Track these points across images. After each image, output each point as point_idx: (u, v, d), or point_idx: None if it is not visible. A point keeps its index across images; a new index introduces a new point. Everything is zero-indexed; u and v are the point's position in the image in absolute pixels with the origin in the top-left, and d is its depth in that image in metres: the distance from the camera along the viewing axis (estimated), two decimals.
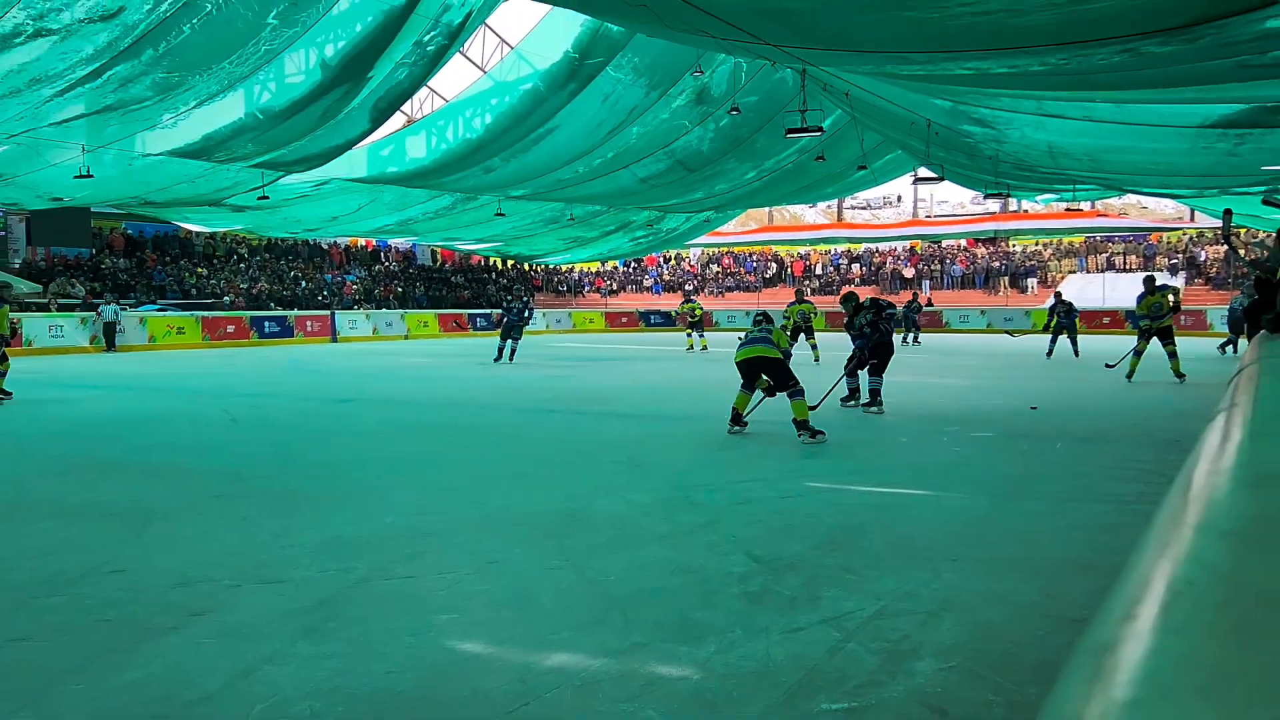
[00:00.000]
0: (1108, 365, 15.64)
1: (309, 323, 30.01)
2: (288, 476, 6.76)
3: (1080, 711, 0.46)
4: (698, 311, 24.58)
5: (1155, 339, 14.24)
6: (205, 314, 27.24)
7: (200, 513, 5.54)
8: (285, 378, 16.29)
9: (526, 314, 19.34)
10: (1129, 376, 13.96)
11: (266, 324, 28.58)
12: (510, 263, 47.40)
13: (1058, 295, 20.94)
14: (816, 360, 17.94)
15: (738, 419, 8.80)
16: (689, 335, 24.69)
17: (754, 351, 8.76)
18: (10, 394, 12.09)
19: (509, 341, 19.31)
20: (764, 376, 8.74)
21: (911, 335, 26.61)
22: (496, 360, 18.80)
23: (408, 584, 4.12)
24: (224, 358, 21.82)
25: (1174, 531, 0.76)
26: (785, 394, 8.59)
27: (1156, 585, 0.61)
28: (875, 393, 10.54)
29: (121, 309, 25.14)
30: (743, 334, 9.26)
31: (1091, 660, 0.51)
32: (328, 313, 31.42)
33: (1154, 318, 14.12)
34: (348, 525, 5.17)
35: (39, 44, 14.06)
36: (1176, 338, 14.43)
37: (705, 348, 23.40)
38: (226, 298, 31.96)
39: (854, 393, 11.04)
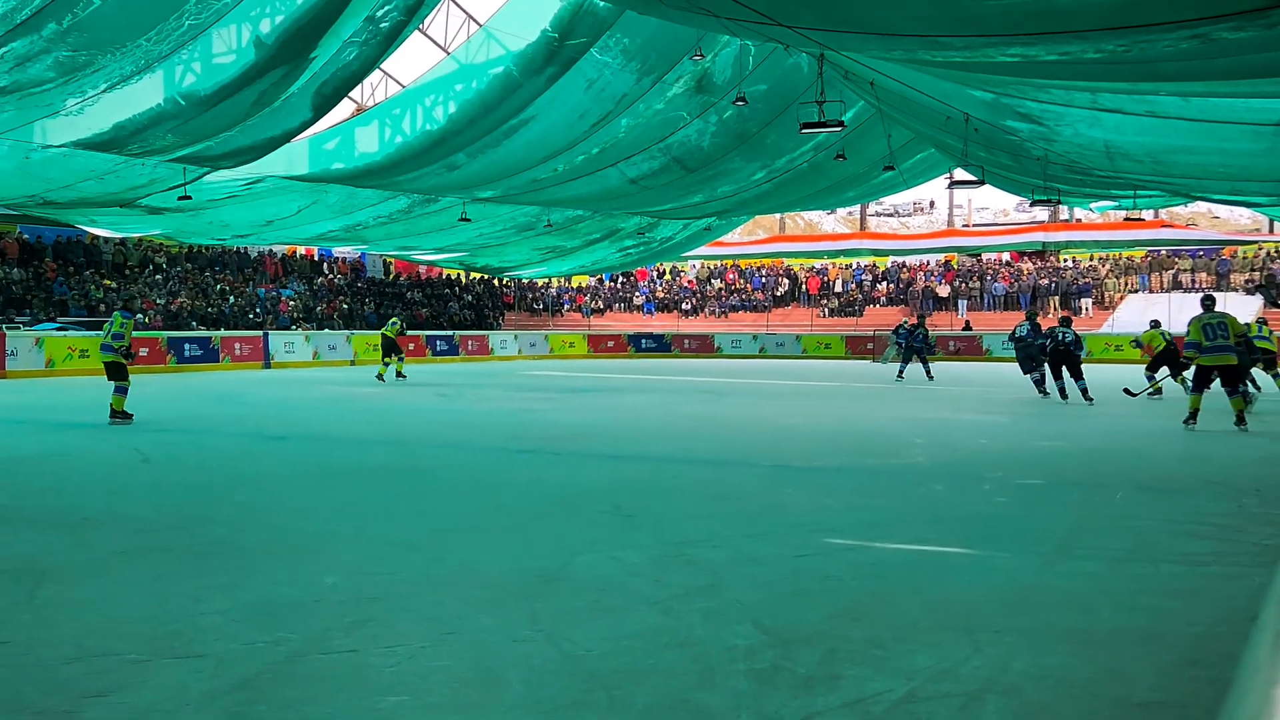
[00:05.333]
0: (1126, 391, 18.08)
1: (237, 345, 30.03)
2: (209, 528, 6.72)
3: None
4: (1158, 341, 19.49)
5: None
6: None
7: (103, 571, 5.50)
8: (208, 410, 16.31)
9: None
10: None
11: (187, 346, 28.60)
12: (477, 277, 47.50)
13: (904, 324, 26.65)
14: None
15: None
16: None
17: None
18: (131, 416, 14.50)
19: None
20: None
21: (913, 367, 25.78)
22: None
23: (350, 659, 4.08)
24: (136, 386, 21.70)
25: None
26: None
27: None
28: None
29: (12, 326, 25.06)
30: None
31: None
32: (260, 334, 31.43)
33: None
34: (280, 587, 5.14)
35: None
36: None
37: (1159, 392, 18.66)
38: (140, 315, 31.93)
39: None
